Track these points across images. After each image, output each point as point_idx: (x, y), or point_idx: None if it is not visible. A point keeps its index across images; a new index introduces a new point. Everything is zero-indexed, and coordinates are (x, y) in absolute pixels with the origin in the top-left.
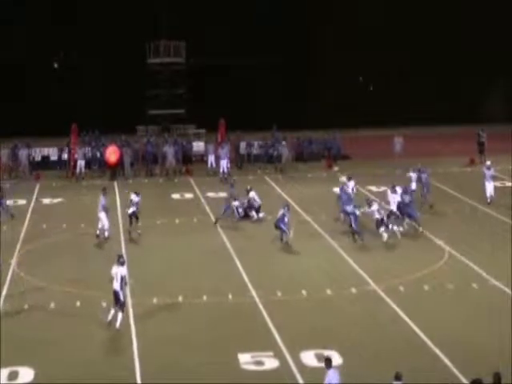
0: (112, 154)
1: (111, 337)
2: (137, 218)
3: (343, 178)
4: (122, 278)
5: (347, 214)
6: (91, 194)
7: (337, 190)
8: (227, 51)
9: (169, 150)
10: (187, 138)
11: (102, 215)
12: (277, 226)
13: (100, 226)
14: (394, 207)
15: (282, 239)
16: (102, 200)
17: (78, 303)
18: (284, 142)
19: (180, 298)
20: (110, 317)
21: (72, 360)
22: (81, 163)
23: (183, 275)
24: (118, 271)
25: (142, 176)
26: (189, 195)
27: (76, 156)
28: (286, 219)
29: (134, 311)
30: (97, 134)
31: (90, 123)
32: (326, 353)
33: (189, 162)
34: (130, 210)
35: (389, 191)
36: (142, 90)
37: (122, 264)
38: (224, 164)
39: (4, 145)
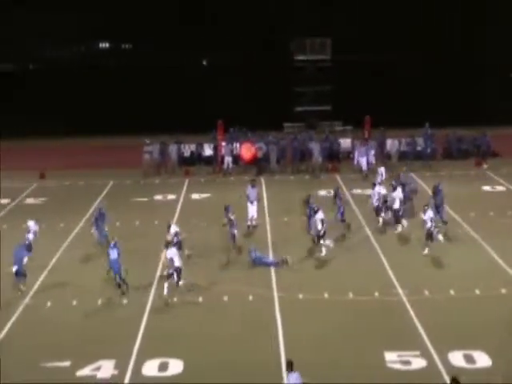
0: (247, 150)
1: (256, 331)
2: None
3: None
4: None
5: None
6: (238, 189)
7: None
8: (372, 47)
9: (315, 147)
10: (334, 134)
11: (250, 206)
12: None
13: (250, 216)
14: None
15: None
16: (250, 191)
17: (226, 298)
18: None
19: (326, 295)
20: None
21: (219, 353)
22: (228, 159)
23: (329, 272)
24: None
25: (288, 173)
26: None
27: (223, 152)
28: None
29: (279, 305)
30: (244, 131)
31: (237, 120)
32: (475, 354)
33: (335, 158)
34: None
35: None
36: (288, 87)
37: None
38: (364, 161)
39: (154, 141)
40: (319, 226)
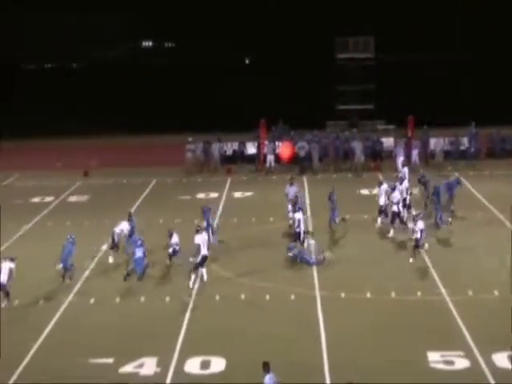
0: (286, 150)
1: (298, 330)
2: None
3: None
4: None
5: None
6: (280, 188)
7: None
8: (416, 46)
9: (357, 146)
10: (376, 133)
11: (290, 206)
12: None
13: (290, 215)
14: None
15: None
16: (289, 189)
17: (268, 296)
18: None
19: (368, 294)
20: None
21: (260, 351)
22: (270, 158)
23: (372, 271)
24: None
25: (331, 171)
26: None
27: (265, 150)
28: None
29: (321, 304)
30: (286, 129)
31: (280, 118)
32: None
33: (378, 157)
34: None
35: None
36: (331, 86)
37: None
38: (399, 161)
39: (196, 139)
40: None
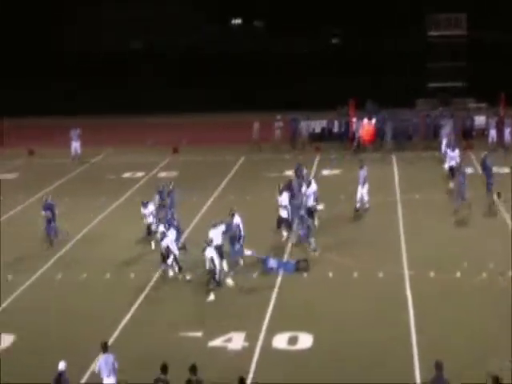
0: (367, 133)
1: (386, 308)
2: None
3: None
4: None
5: None
6: (368, 166)
7: None
8: (508, 23)
9: (448, 124)
10: (467, 111)
11: (360, 187)
12: None
13: (358, 197)
14: None
15: None
16: (359, 173)
17: (356, 274)
18: None
19: (458, 274)
20: None
21: (348, 328)
22: (358, 136)
23: (462, 249)
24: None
25: (420, 149)
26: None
27: (354, 129)
28: None
29: (410, 283)
30: (376, 108)
31: (370, 97)
32: None
33: (469, 136)
34: None
35: None
36: (422, 63)
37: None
38: (492, 135)
39: (285, 117)
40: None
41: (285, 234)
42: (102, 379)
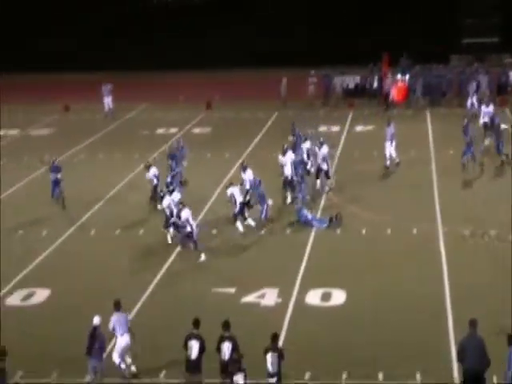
0: (399, 91)
1: (419, 265)
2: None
3: None
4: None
5: None
6: (399, 123)
7: None
8: None
9: (482, 80)
10: (501, 67)
11: (388, 144)
12: None
13: (387, 155)
14: None
15: None
16: (386, 130)
17: (389, 231)
18: None
19: (492, 232)
20: None
21: (380, 284)
22: (392, 92)
23: (497, 208)
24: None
25: (455, 106)
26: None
27: (387, 85)
28: None
29: (444, 241)
30: (409, 63)
31: (404, 52)
32: None
33: (504, 91)
34: None
35: None
36: (456, 19)
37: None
38: None
39: (319, 73)
40: None
41: (289, 196)
42: (116, 337)
